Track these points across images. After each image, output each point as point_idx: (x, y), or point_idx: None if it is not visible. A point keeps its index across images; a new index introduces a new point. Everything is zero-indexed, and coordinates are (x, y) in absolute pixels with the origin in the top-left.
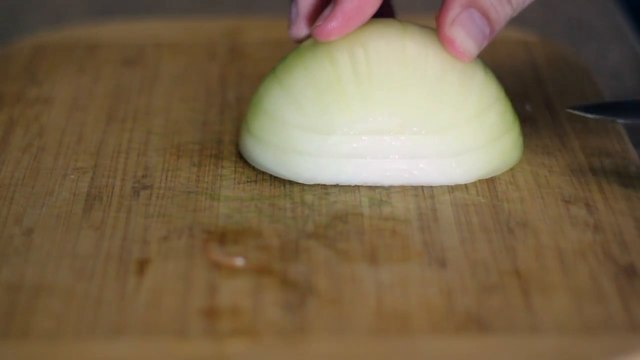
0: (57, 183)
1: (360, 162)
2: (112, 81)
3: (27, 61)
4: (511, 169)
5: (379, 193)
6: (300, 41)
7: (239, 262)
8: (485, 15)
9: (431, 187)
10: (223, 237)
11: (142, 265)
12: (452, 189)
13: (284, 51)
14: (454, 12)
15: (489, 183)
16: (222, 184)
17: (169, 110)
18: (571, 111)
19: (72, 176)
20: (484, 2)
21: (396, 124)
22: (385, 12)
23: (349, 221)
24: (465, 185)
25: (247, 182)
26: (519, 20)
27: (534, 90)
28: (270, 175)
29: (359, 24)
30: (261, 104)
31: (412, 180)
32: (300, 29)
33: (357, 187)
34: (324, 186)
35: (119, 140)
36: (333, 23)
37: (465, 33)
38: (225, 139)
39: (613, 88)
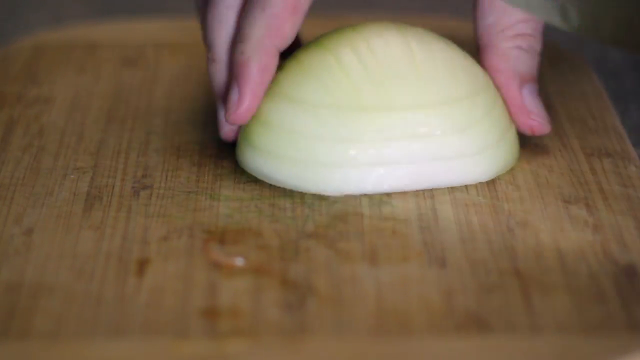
0: (57, 183)
1: (387, 169)
2: (112, 81)
3: (27, 61)
4: (511, 169)
5: (379, 193)
6: (232, 139)
7: (239, 262)
8: (534, 80)
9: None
10: (223, 237)
11: (142, 265)
12: (452, 189)
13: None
14: (520, 98)
15: (489, 183)
16: (222, 184)
17: (169, 110)
18: None
19: (72, 176)
20: (529, 70)
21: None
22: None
23: (349, 221)
24: (465, 185)
25: (247, 182)
26: None
27: None
28: None
29: (266, 88)
30: (269, 119)
31: (437, 182)
32: (232, 130)
33: None
34: None
35: (119, 140)
36: (245, 104)
37: (540, 112)
38: (224, 139)
39: (613, 88)
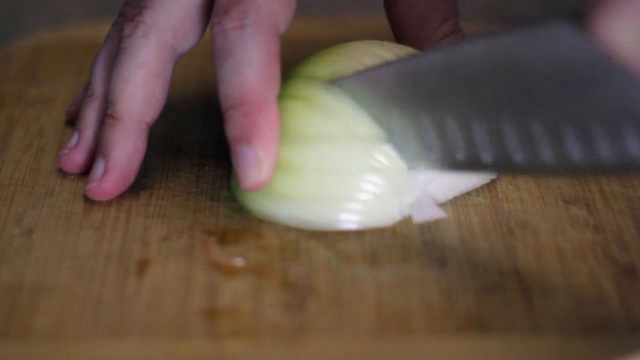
0: (57, 183)
1: (437, 181)
2: None
3: (27, 61)
4: None
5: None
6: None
7: (239, 262)
8: None
9: None
10: (223, 237)
11: (142, 265)
12: None
13: (284, 50)
14: None
15: (489, 183)
16: (222, 184)
17: (169, 110)
18: None
19: (72, 176)
20: None
21: None
22: None
23: None
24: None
25: None
26: (518, 20)
27: None
28: None
29: (134, 175)
30: (294, 164)
31: (462, 188)
32: (84, 160)
33: None
34: None
35: None
36: (107, 185)
37: None
38: (226, 139)
39: None
